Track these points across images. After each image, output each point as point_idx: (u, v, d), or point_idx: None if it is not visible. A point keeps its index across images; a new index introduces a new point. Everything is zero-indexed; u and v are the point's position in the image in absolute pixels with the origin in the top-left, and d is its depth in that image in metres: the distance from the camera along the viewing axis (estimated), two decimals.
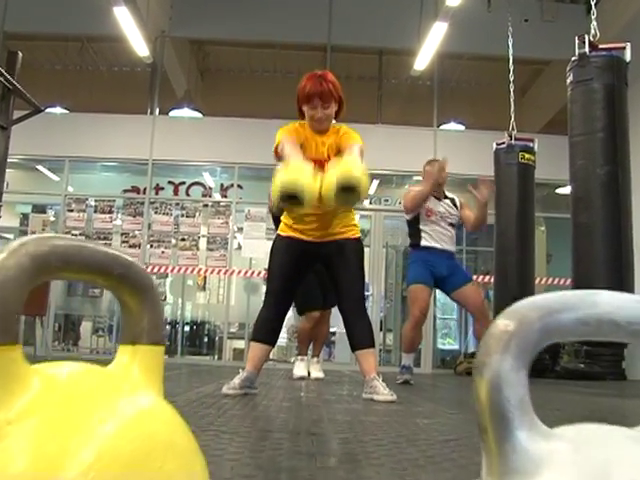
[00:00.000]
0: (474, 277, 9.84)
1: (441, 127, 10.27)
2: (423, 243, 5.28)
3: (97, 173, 11.16)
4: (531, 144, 6.76)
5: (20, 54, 6.58)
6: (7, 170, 10.42)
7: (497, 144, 6.82)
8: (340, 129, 3.36)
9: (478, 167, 9.45)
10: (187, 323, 11.19)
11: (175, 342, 10.46)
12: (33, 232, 9.37)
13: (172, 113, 10.39)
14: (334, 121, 3.44)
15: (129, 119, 9.63)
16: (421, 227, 5.29)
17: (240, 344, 10.08)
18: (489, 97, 11.75)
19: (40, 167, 10.38)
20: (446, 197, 5.41)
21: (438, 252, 5.19)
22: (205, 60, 12.05)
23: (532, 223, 6.71)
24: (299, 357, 5.59)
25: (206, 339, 11.39)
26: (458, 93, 11.30)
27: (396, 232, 11.55)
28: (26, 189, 10.10)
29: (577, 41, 4.52)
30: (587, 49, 4.41)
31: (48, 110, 11.08)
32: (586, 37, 4.45)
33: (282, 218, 3.46)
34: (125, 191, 9.98)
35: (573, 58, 4.56)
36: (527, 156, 6.65)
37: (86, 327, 11.42)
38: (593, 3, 4.77)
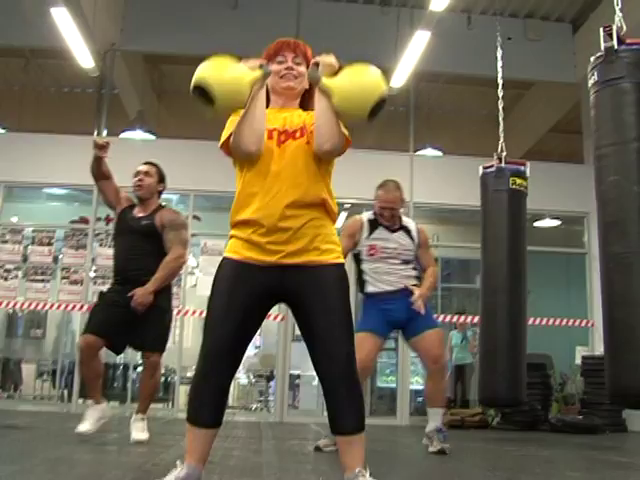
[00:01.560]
0: (446, 317, 9.22)
1: (417, 153, 9.49)
2: (369, 289, 4.38)
3: (42, 202, 10.24)
4: (523, 168, 5.95)
5: None
6: None
7: (484, 168, 6.00)
8: (311, 112, 2.45)
9: (457, 195, 8.71)
10: (138, 367, 10.27)
11: (125, 388, 9.49)
12: None
13: (123, 135, 9.47)
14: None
15: (73, 140, 8.66)
16: (362, 268, 4.40)
17: None
18: (467, 122, 11.07)
19: None
20: (402, 228, 4.44)
21: (391, 294, 4.30)
22: (161, 80, 11.19)
23: (524, 257, 5.86)
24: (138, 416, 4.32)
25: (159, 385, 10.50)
26: (435, 118, 10.58)
27: None
28: None
29: (602, 34, 3.72)
30: (615, 42, 3.60)
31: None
32: (613, 28, 3.65)
33: (231, 224, 2.40)
34: (73, 222, 8.98)
35: (598, 54, 3.76)
36: (519, 181, 5.83)
37: (29, 371, 10.51)
38: None
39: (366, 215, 4.49)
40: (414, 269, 4.42)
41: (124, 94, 10.07)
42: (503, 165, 5.84)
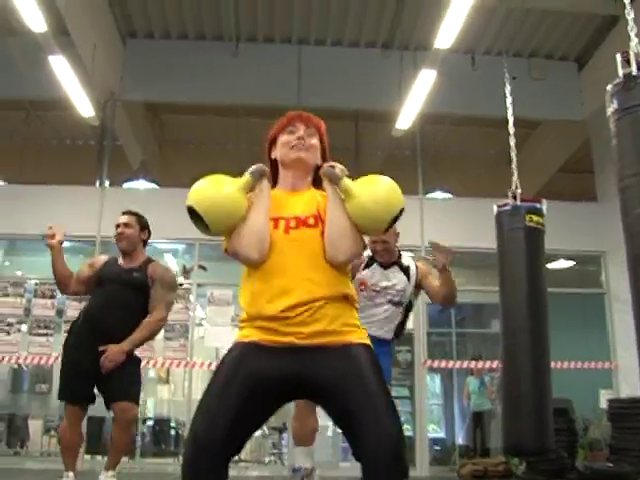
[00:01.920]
0: (462, 364, 8.93)
1: (426, 195, 9.33)
2: None
3: (45, 255, 10.03)
4: (539, 205, 5.71)
5: None
6: None
7: (498, 206, 5.76)
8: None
9: (468, 237, 8.50)
10: (147, 420, 10.00)
11: (134, 442, 9.17)
12: None
13: (126, 185, 9.35)
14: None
15: (75, 191, 8.55)
16: None
17: None
18: (474, 164, 10.93)
19: None
20: (396, 264, 4.12)
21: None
22: (162, 129, 11.12)
23: (545, 297, 5.58)
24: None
25: (170, 439, 10.21)
26: (442, 160, 10.44)
27: None
28: None
29: (619, 59, 3.55)
30: (634, 68, 3.42)
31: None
32: (631, 53, 3.48)
33: (242, 310, 2.10)
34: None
35: (616, 81, 3.58)
36: (535, 218, 5.56)
37: (35, 427, 10.21)
38: (628, 8, 3.79)
39: (367, 252, 4.18)
40: (403, 315, 4.10)
41: (126, 144, 9.99)
42: (518, 203, 5.61)
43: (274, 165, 2.25)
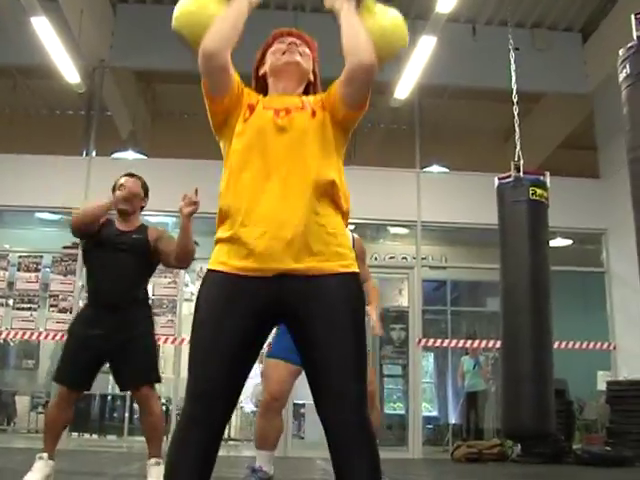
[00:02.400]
0: (457, 343, 8.73)
1: (424, 170, 9.06)
2: None
3: (33, 227, 9.80)
4: (542, 178, 5.50)
5: None
6: None
7: (500, 179, 5.54)
8: (316, 95, 2.06)
9: (465, 213, 8.27)
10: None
11: (122, 420, 8.98)
12: None
13: (114, 156, 9.06)
14: None
15: (61, 161, 8.25)
16: None
17: None
18: (474, 138, 10.67)
19: None
20: None
21: None
22: (155, 100, 10.79)
23: (548, 274, 5.37)
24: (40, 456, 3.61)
25: None
26: (440, 134, 10.14)
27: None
28: None
29: (634, 21, 3.30)
30: None
31: None
32: None
33: (217, 223, 1.88)
34: (66, 247, 8.51)
35: (629, 45, 3.33)
36: (539, 192, 5.35)
37: (23, 403, 10.03)
38: None
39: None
40: None
41: (116, 114, 9.68)
42: (521, 175, 5.38)
43: (262, 80, 2.10)
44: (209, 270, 1.85)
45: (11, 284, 8.07)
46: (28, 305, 7.94)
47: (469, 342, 8.94)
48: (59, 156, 8.29)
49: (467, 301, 11.59)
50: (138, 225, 3.83)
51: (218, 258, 1.83)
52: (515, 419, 5.18)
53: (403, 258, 9.11)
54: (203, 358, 1.77)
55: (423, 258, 8.82)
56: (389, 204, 8.22)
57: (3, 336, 8.11)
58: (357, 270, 1.86)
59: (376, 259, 8.91)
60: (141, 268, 3.76)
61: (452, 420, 10.94)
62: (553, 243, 9.55)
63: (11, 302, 8.06)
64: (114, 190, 3.92)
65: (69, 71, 7.50)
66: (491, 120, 10.39)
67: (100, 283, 3.72)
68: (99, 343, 3.54)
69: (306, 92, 2.07)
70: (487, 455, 6.91)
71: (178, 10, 2.14)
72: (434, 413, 11.77)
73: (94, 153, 8.59)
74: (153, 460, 3.58)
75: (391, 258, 9.22)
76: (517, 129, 5.78)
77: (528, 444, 6.86)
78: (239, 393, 1.82)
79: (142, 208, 3.96)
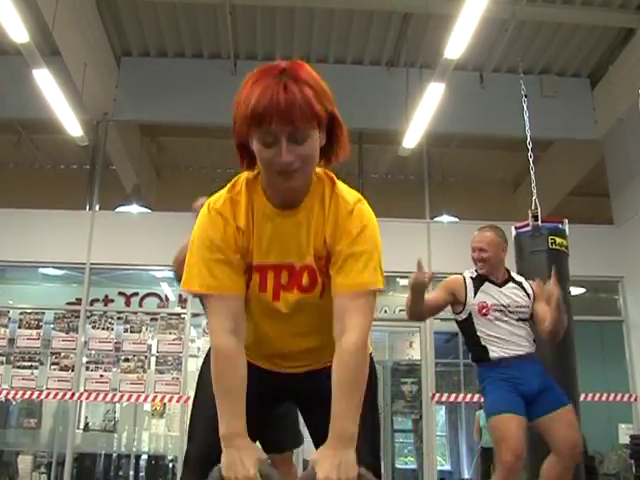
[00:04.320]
0: (473, 397, 8.42)
1: (433, 219, 8.91)
2: (492, 355, 3.55)
3: (37, 283, 9.63)
4: (561, 226, 5.31)
5: None
6: None
7: (517, 228, 5.35)
8: (333, 194, 1.60)
9: None
10: (139, 456, 9.48)
11: (127, 478, 8.68)
12: None
13: (118, 210, 8.92)
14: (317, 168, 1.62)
15: (64, 215, 8.12)
16: (478, 333, 3.61)
17: None
18: (482, 187, 10.55)
19: None
20: (510, 280, 3.74)
21: (519, 361, 3.51)
22: (159, 154, 10.73)
23: (571, 326, 5.14)
24: None
25: (167, 476, 9.74)
26: (449, 183, 10.05)
27: (381, 346, 10.10)
28: None
29: None
30: None
31: None
32: None
33: None
34: (70, 304, 8.33)
35: None
36: (559, 240, 5.16)
37: (25, 462, 9.71)
38: None
39: (467, 272, 3.79)
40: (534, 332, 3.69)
41: (120, 167, 9.61)
42: (540, 223, 5.19)
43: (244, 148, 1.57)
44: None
45: (12, 341, 7.86)
46: (29, 363, 7.72)
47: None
48: (62, 210, 8.16)
49: None
50: None
51: None
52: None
53: None
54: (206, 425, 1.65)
55: None
56: (399, 255, 8.00)
57: (3, 395, 7.85)
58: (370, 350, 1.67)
59: (386, 312, 8.70)
60: None
61: (466, 475, 10.60)
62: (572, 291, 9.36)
63: (12, 360, 7.85)
64: None
65: (72, 125, 7.45)
66: (500, 169, 10.29)
67: None
68: None
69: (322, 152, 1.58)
70: None
71: None
72: (447, 467, 11.39)
73: (97, 207, 8.46)
74: None
75: (401, 311, 8.98)
76: (532, 176, 5.60)
77: None
78: None
79: None
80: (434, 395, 7.97)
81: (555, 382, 3.63)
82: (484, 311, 3.58)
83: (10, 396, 7.81)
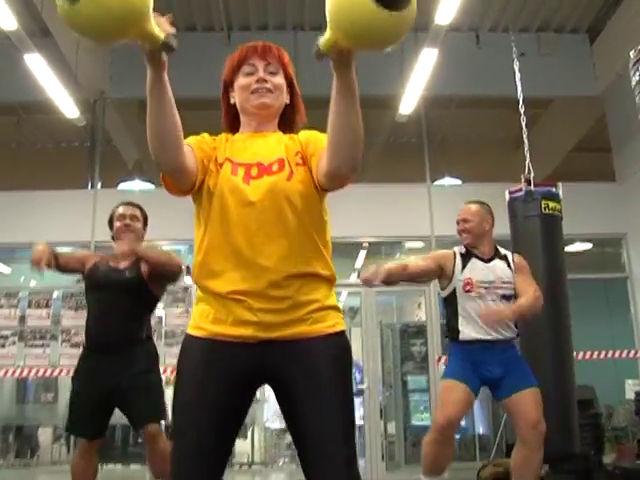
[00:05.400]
0: None
1: (435, 183, 8.89)
2: (464, 337, 3.67)
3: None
4: (555, 189, 5.32)
5: None
6: None
7: (510, 192, 5.37)
8: (295, 135, 1.88)
9: None
10: None
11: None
12: None
13: (121, 186, 8.98)
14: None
15: (66, 195, 8.19)
16: (458, 309, 3.70)
17: None
18: (483, 148, 10.48)
19: None
20: (496, 255, 3.84)
21: (487, 346, 3.62)
22: None
23: (565, 289, 5.20)
24: None
25: None
26: (450, 145, 9.96)
27: (389, 309, 10.16)
28: None
29: None
30: None
31: None
32: None
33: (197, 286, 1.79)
34: (79, 281, 8.44)
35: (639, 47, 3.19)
36: (552, 205, 5.18)
37: (45, 435, 9.97)
38: None
39: (457, 248, 3.89)
40: None
41: (120, 144, 9.62)
42: (532, 188, 5.20)
43: (233, 109, 1.94)
44: (187, 335, 1.78)
45: (22, 320, 8.01)
46: (40, 342, 7.88)
47: None
48: (65, 190, 8.23)
49: None
50: (135, 259, 3.69)
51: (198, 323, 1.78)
52: None
53: None
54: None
55: None
56: (402, 220, 8.05)
57: (17, 374, 8.03)
58: (342, 328, 1.76)
59: None
60: (137, 307, 3.63)
61: (480, 430, 10.68)
62: (573, 248, 9.37)
63: (24, 338, 8.01)
64: (111, 222, 3.81)
65: (68, 106, 7.46)
66: (500, 128, 10.21)
67: (94, 326, 3.61)
68: (100, 389, 3.45)
69: (283, 113, 1.93)
70: None
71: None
72: (462, 423, 11.41)
73: (99, 185, 8.52)
74: None
75: None
76: (525, 140, 5.61)
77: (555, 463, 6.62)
78: (227, 453, 1.75)
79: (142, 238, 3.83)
80: (440, 358, 8.07)
81: (525, 364, 3.76)
82: (468, 287, 3.67)
83: (24, 374, 7.98)
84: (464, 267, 3.74)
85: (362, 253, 8.81)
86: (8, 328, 7.90)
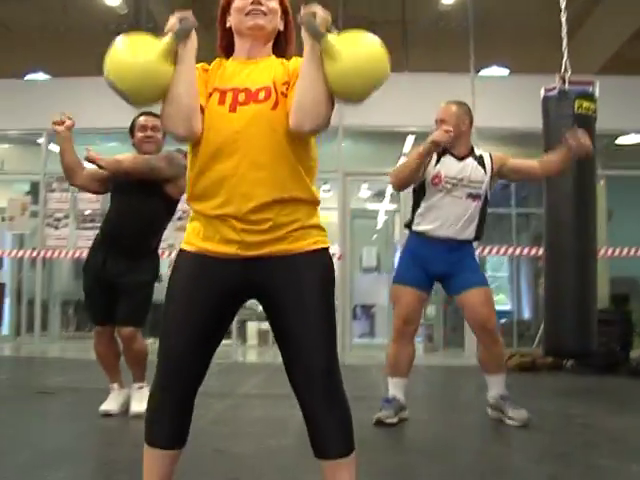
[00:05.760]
0: (523, 249, 8.54)
1: (481, 72, 8.66)
2: (416, 227, 3.90)
3: (99, 144, 10.00)
4: (590, 88, 5.18)
5: None
6: (3, 146, 9.61)
7: (546, 90, 5.25)
8: (287, 62, 1.95)
9: (526, 119, 7.90)
10: None
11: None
12: (12, 217, 8.29)
13: None
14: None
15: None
16: (422, 203, 3.88)
17: (266, 325, 8.90)
18: (535, 34, 10.04)
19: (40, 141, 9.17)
20: (471, 155, 3.95)
21: (436, 242, 3.82)
22: (205, 7, 10.54)
23: (593, 191, 5.18)
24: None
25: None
26: (498, 32, 9.57)
27: None
28: (26, 166, 9.06)
29: None
30: None
31: (28, 77, 9.97)
32: None
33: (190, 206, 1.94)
34: None
35: None
36: (585, 104, 5.06)
37: None
38: None
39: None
40: (481, 213, 3.91)
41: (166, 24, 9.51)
42: (566, 87, 5.08)
43: (229, 34, 2.00)
44: (180, 249, 1.95)
45: (74, 204, 8.37)
46: (91, 224, 8.25)
47: (529, 250, 8.67)
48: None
49: (535, 201, 11.21)
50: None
51: (189, 239, 1.93)
52: (556, 338, 5.14)
53: None
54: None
55: None
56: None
57: (70, 255, 8.47)
58: (325, 246, 1.91)
59: None
60: (155, 213, 3.83)
61: (525, 315, 10.81)
62: (626, 140, 9.13)
63: (76, 221, 8.40)
64: (132, 130, 3.95)
65: None
66: (554, 12, 9.71)
67: (112, 222, 3.85)
68: (106, 283, 3.78)
69: (277, 42, 2.01)
70: (541, 364, 6.86)
71: (109, 61, 1.75)
72: (508, 307, 11.42)
73: None
74: (136, 385, 3.89)
75: None
76: (564, 36, 5.40)
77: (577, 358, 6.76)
78: (208, 362, 1.92)
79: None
80: (483, 248, 8.16)
81: (476, 265, 3.94)
82: (436, 180, 3.82)
83: (76, 255, 8.42)
84: (437, 162, 3.87)
85: (408, 140, 8.76)
86: (61, 211, 8.29)
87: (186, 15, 1.80)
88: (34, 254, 8.49)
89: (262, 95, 1.82)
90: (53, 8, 9.71)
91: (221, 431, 3.61)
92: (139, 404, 3.71)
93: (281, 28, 2.00)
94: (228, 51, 2.01)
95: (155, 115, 3.93)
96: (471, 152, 3.95)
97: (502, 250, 8.57)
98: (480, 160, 3.92)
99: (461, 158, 3.90)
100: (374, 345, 9.90)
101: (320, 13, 1.74)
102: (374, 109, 7.76)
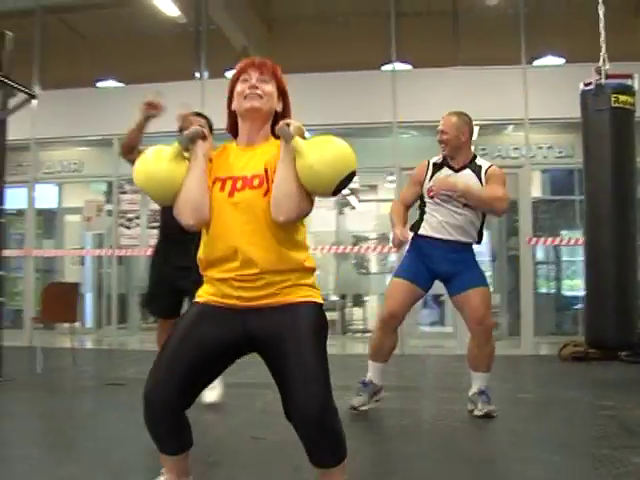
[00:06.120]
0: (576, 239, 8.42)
1: (535, 63, 8.61)
2: (421, 232, 4.13)
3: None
4: (630, 81, 5.20)
5: (9, 34, 5.79)
6: (81, 149, 10.15)
7: (585, 84, 5.32)
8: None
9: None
10: None
11: None
12: (88, 218, 8.84)
13: (228, 74, 9.35)
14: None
15: (175, 87, 8.68)
16: (426, 210, 4.12)
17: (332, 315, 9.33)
18: (592, 21, 9.83)
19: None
20: (469, 165, 4.11)
21: (439, 243, 4.02)
22: (269, 6, 10.78)
23: (633, 185, 5.22)
24: None
25: None
26: (552, 20, 9.43)
27: None
28: (102, 169, 9.59)
29: None
30: None
31: (100, 84, 10.49)
32: None
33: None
34: None
35: None
36: (623, 98, 5.10)
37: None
38: None
39: (434, 159, 4.23)
40: (482, 219, 4.10)
41: (227, 29, 9.75)
42: (603, 81, 5.13)
43: (234, 116, 2.28)
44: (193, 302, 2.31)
45: (144, 204, 8.81)
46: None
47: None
48: (171, 82, 8.63)
49: None
50: None
51: (200, 294, 2.27)
52: (598, 330, 5.21)
53: (515, 148, 8.84)
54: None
55: (549, 147, 8.66)
56: (493, 103, 7.99)
57: (142, 253, 8.89)
58: (317, 300, 2.20)
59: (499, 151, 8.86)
60: None
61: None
62: None
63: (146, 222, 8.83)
64: (180, 131, 4.25)
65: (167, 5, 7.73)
66: None
67: (169, 219, 4.14)
68: (171, 281, 4.02)
69: (276, 122, 2.23)
70: (593, 354, 6.85)
71: (136, 169, 2.18)
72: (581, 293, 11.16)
73: (206, 74, 8.96)
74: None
75: (503, 158, 8.95)
76: (602, 30, 5.39)
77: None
78: (194, 395, 2.17)
79: None
80: (530, 239, 8.20)
81: (477, 267, 4.11)
82: (431, 194, 4.02)
83: (148, 253, 8.86)
84: (432, 176, 4.07)
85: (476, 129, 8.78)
86: (132, 212, 8.77)
87: (197, 129, 2.16)
88: (110, 252, 9.02)
89: (256, 182, 2.13)
90: (123, 17, 10.17)
91: (264, 420, 3.80)
92: (210, 393, 3.96)
93: (279, 109, 2.27)
94: (234, 130, 2.31)
95: (201, 115, 4.24)
96: (471, 162, 4.11)
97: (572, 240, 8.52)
98: (478, 170, 4.06)
99: (458, 169, 4.07)
100: (443, 333, 10.08)
101: (294, 124, 2.08)
102: (427, 104, 7.92)
